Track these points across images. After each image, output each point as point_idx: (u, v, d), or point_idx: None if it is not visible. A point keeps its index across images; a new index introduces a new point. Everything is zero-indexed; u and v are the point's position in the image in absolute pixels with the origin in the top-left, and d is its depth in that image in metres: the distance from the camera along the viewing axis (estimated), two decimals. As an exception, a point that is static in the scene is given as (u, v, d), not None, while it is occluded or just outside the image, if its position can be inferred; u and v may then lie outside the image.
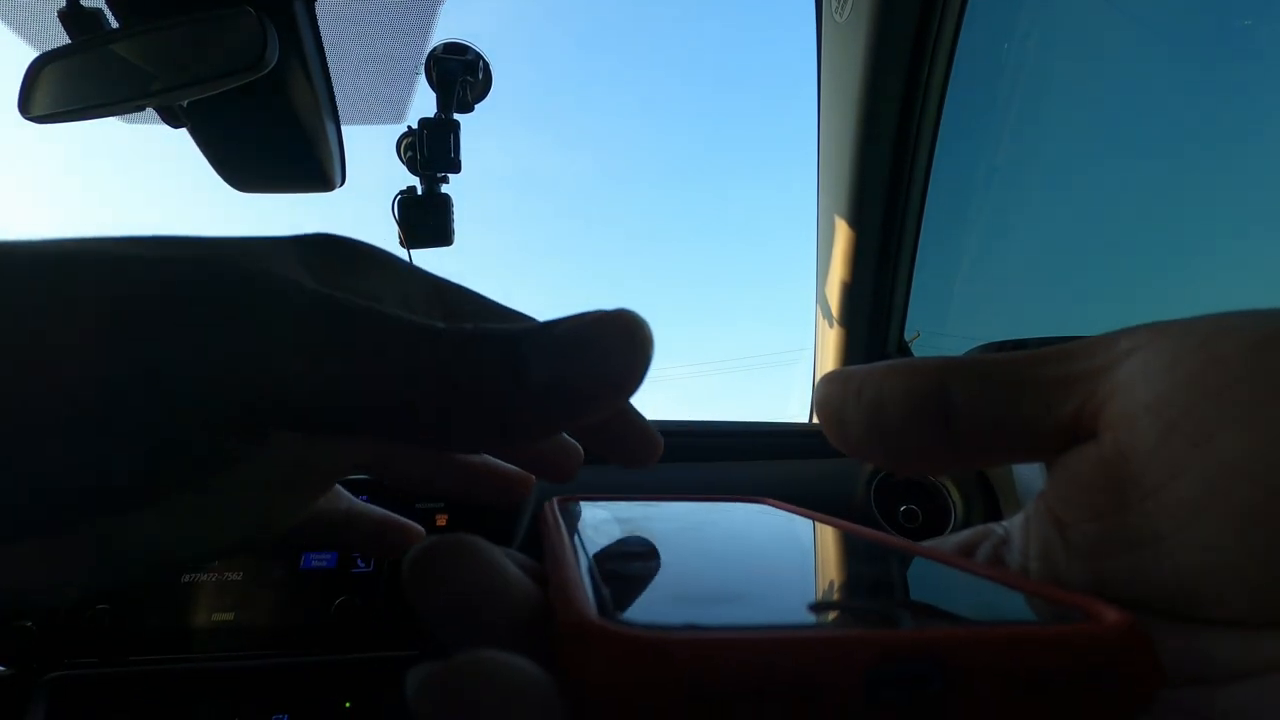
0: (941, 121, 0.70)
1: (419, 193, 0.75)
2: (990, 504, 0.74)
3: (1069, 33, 0.92)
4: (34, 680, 0.62)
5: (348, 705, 0.65)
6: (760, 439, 0.92)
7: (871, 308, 0.81)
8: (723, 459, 0.86)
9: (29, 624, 0.64)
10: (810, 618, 0.10)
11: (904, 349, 0.86)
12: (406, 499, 0.72)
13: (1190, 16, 0.92)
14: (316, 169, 0.64)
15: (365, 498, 0.76)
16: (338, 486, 0.23)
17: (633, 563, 0.13)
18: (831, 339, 0.86)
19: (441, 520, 0.72)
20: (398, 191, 0.75)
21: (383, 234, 0.80)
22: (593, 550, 0.13)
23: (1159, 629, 0.11)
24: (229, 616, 0.65)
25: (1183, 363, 0.12)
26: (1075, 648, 0.09)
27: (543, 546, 0.15)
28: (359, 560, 0.68)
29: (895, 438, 0.14)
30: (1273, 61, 0.83)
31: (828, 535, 0.17)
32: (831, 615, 0.11)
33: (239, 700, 0.64)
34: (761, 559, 0.15)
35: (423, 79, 0.71)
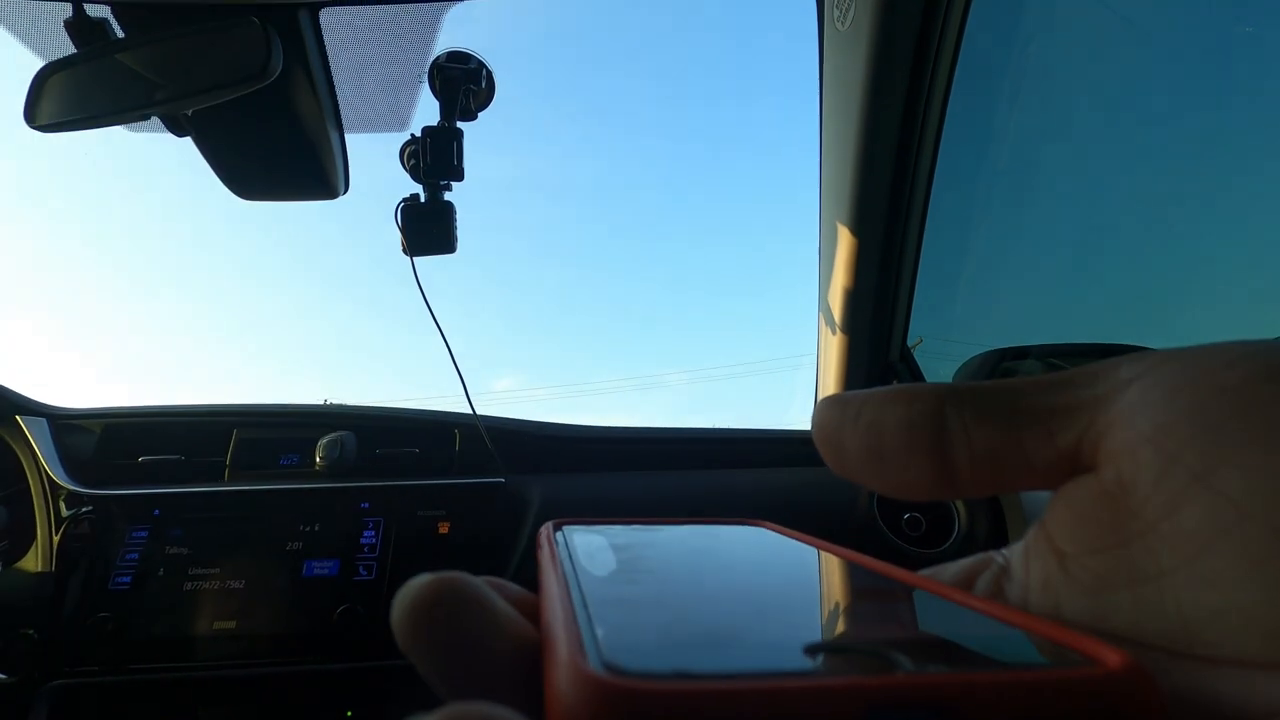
0: (943, 128, 0.70)
1: (422, 200, 0.76)
2: (994, 513, 0.74)
3: (1071, 39, 0.92)
4: (36, 688, 0.62)
5: (349, 714, 0.65)
6: (763, 445, 0.91)
7: (874, 314, 0.81)
8: (727, 466, 0.86)
9: (31, 632, 0.64)
10: (805, 661, 0.10)
11: (906, 355, 0.86)
12: (408, 506, 0.72)
13: (1193, 21, 0.92)
14: (320, 177, 0.64)
15: (367, 505, 0.76)
16: None
17: (625, 600, 0.13)
18: (834, 345, 0.86)
19: (444, 528, 0.72)
20: (401, 199, 0.76)
21: (386, 241, 0.80)
22: (586, 584, 0.13)
23: (1163, 666, 0.11)
24: (231, 625, 0.65)
25: (1184, 393, 0.12)
26: (1078, 692, 0.09)
27: (538, 576, 0.15)
28: (361, 568, 0.68)
29: (892, 465, 0.14)
30: (1275, 64, 0.83)
31: (824, 565, 0.16)
32: (829, 657, 0.11)
33: (240, 709, 0.64)
34: (756, 593, 0.15)
35: (426, 87, 0.71)
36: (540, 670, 0.11)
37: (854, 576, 0.16)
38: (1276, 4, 0.85)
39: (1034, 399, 0.14)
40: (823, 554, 0.17)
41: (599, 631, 0.11)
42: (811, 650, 0.11)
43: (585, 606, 0.12)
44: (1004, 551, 0.16)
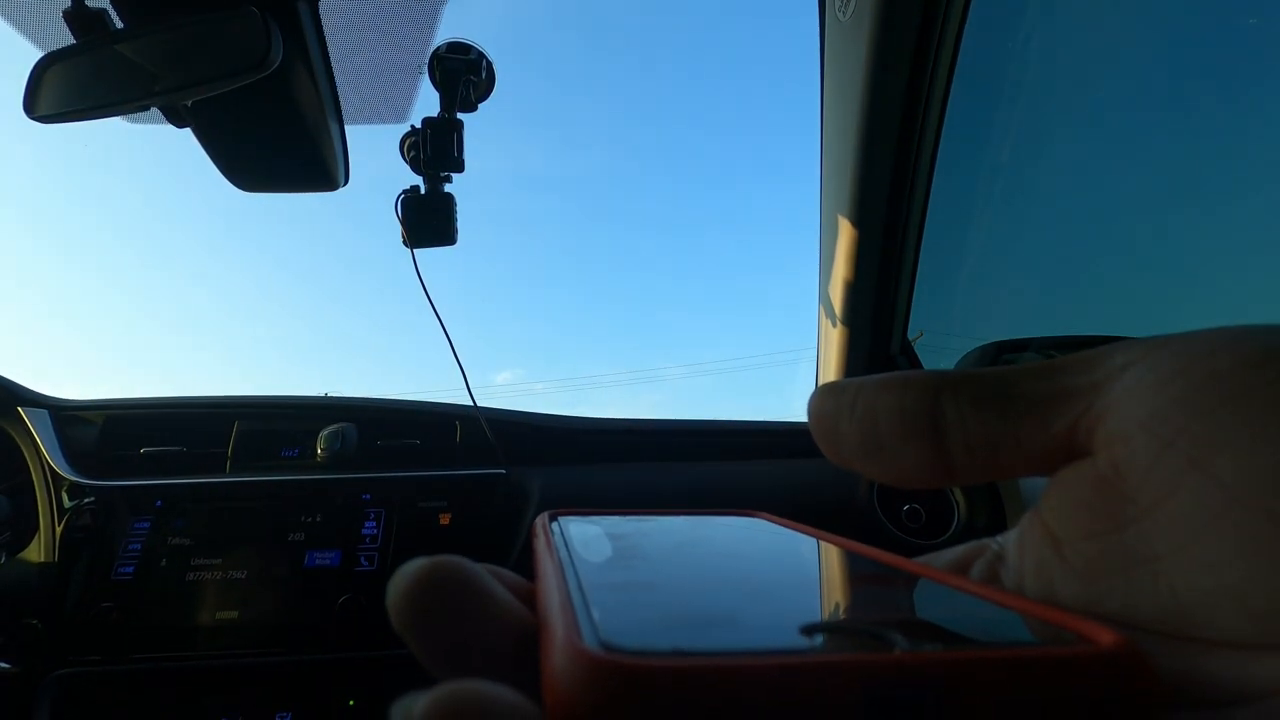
0: (945, 120, 0.70)
1: (422, 192, 0.75)
2: (994, 503, 0.74)
3: (1073, 30, 0.92)
4: (40, 677, 0.63)
5: (351, 703, 0.65)
6: (764, 437, 0.92)
7: (874, 307, 0.81)
8: (727, 457, 0.86)
9: (34, 622, 0.64)
10: (803, 641, 0.10)
11: (907, 348, 0.86)
12: (409, 498, 0.73)
13: (1196, 15, 0.92)
14: (320, 169, 0.64)
15: (368, 496, 0.76)
16: None
17: (621, 584, 0.13)
18: (834, 339, 0.86)
19: (445, 519, 0.72)
20: (401, 191, 0.76)
21: (387, 233, 0.80)
22: (582, 569, 0.13)
23: (1158, 649, 0.11)
24: (233, 614, 0.65)
25: (1178, 379, 0.12)
26: (1074, 671, 0.09)
27: (533, 564, 0.15)
28: (362, 559, 0.69)
29: (888, 453, 0.14)
30: (1275, 58, 0.83)
31: (820, 552, 0.17)
32: (825, 638, 0.11)
33: (242, 698, 0.64)
34: (753, 578, 0.15)
35: (426, 78, 0.71)
36: (536, 653, 0.11)
37: (850, 563, 0.16)
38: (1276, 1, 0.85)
39: (1029, 386, 0.14)
40: (820, 542, 0.17)
41: (595, 613, 0.11)
42: (808, 631, 0.11)
43: (581, 590, 0.12)
44: (999, 538, 0.16)
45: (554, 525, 0.17)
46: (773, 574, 0.15)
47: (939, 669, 0.09)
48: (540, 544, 0.15)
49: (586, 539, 0.16)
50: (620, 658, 0.09)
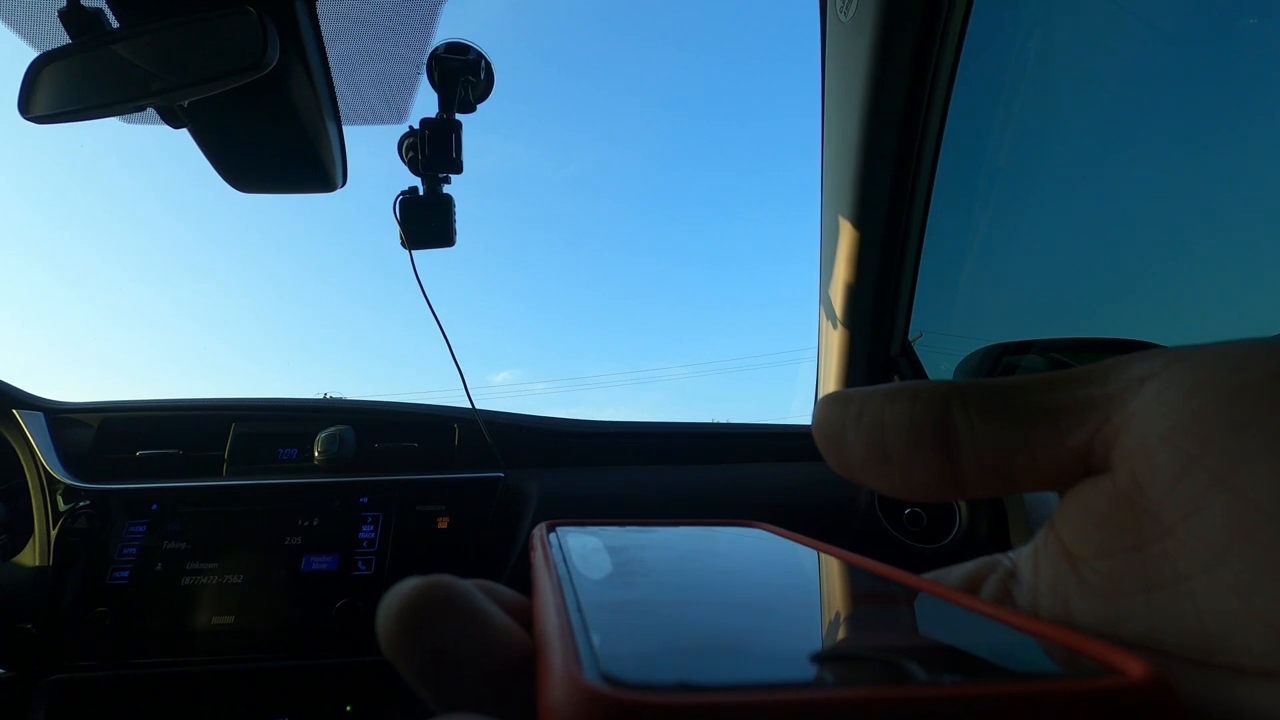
0: (946, 120, 0.70)
1: (420, 193, 0.75)
2: (996, 509, 0.74)
3: (1075, 31, 0.92)
4: (34, 683, 0.62)
5: (348, 709, 0.65)
6: (764, 440, 0.91)
7: (875, 308, 0.81)
8: (727, 460, 0.86)
9: (29, 626, 0.64)
10: (811, 671, 0.10)
11: (907, 350, 0.85)
12: (407, 501, 0.72)
13: (1198, 16, 0.91)
14: (318, 169, 0.63)
15: (366, 499, 0.76)
16: None
17: (622, 604, 0.12)
18: (835, 340, 0.85)
19: (443, 523, 0.72)
20: (399, 192, 0.75)
21: (385, 234, 0.80)
22: (580, 587, 0.13)
23: (1182, 675, 0.11)
24: (229, 619, 0.65)
25: (1202, 392, 0.11)
26: (1099, 704, 0.09)
27: (531, 579, 0.14)
28: (360, 563, 0.68)
29: (896, 465, 0.14)
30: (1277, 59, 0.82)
31: (825, 567, 0.16)
32: (836, 667, 0.10)
33: (239, 703, 0.64)
34: (757, 598, 0.14)
35: (424, 79, 0.70)
36: (534, 676, 0.11)
37: (857, 580, 0.15)
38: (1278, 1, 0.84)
39: (1043, 397, 0.13)
40: (823, 556, 0.17)
41: (595, 639, 0.10)
42: (819, 659, 0.10)
43: (580, 612, 0.11)
44: (1011, 554, 0.16)
45: (551, 536, 0.17)
46: (777, 593, 0.15)
47: (959, 704, 0.09)
48: (538, 558, 0.15)
49: (585, 553, 0.15)
50: (621, 693, 0.08)
